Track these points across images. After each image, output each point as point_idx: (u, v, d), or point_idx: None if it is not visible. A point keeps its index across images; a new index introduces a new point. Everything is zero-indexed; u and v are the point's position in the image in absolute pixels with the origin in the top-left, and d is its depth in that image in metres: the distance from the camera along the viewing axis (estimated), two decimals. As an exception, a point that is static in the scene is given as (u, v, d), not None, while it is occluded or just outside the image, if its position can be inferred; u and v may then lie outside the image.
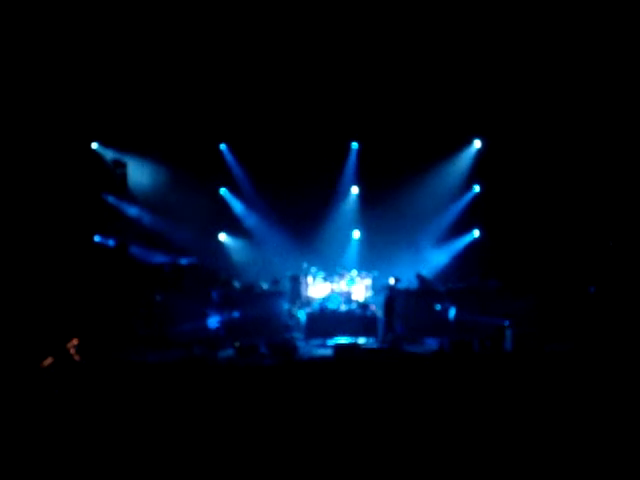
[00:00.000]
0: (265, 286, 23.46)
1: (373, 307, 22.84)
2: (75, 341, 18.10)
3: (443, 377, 14.84)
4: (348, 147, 25.61)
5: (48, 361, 15.95)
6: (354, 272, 23.93)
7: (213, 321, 21.94)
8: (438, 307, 22.23)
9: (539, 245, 24.11)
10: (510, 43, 22.97)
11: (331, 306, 22.91)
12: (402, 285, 22.98)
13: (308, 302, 23.57)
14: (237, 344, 19.60)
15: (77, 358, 17.64)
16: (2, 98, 21.55)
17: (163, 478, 9.27)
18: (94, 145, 23.93)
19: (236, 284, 23.42)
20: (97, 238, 23.59)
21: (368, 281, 23.93)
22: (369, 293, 23.78)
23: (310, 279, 23.85)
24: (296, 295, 23.73)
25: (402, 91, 24.07)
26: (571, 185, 23.97)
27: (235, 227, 25.48)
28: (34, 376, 14.65)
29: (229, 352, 19.88)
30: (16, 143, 21.84)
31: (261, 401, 12.45)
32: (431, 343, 20.93)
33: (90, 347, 17.91)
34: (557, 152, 24.03)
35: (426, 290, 22.92)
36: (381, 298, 23.28)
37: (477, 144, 25.28)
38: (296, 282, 23.89)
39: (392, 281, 22.93)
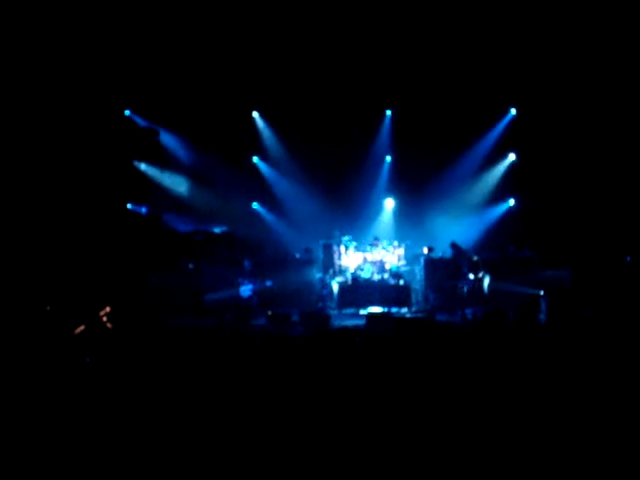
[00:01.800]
0: (297, 255, 23.39)
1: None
2: (108, 309, 18.16)
3: (477, 347, 14.72)
4: (382, 114, 25.36)
5: (80, 329, 16.00)
6: (386, 241, 23.75)
7: (246, 289, 21.95)
8: (472, 276, 22.09)
9: (575, 214, 23.82)
10: (546, 11, 22.67)
11: (364, 275, 22.82)
12: (436, 254, 22.84)
13: (341, 271, 23.46)
14: (269, 313, 19.58)
15: (109, 326, 17.70)
16: (33, 65, 21.51)
17: (196, 444, 9.25)
18: (126, 112, 23.89)
19: (268, 253, 23.37)
20: (130, 206, 23.61)
21: (401, 251, 23.74)
22: (402, 262, 23.60)
23: (343, 248, 23.72)
24: (329, 264, 23.62)
25: (436, 58, 23.75)
26: (608, 153, 23.61)
27: (267, 196, 25.37)
28: (67, 344, 14.70)
29: (261, 321, 19.88)
30: (49, 110, 21.79)
31: (293, 369, 12.39)
32: (465, 313, 20.79)
33: (122, 315, 17.95)
34: (594, 119, 23.67)
35: (460, 259, 22.73)
36: (416, 267, 23.21)
37: (513, 112, 24.99)
38: (329, 251, 23.77)
39: (425, 250, 22.82)
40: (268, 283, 21.97)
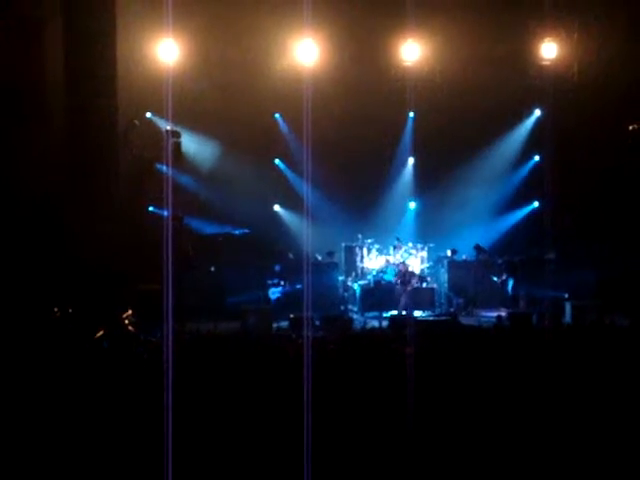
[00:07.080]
0: (319, 258, 23.30)
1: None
2: (130, 312, 18.15)
3: (502, 350, 14.61)
4: (405, 116, 25.15)
5: (100, 333, 16.00)
6: (410, 244, 23.61)
7: (275, 292, 22.00)
8: (496, 279, 22.02)
9: (599, 216, 23.63)
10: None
11: (387, 278, 22.72)
12: (459, 257, 22.77)
13: (363, 274, 23.37)
14: (291, 316, 19.55)
15: (132, 329, 17.69)
16: None
17: (216, 447, 9.23)
18: (148, 114, 23.81)
19: (291, 256, 23.28)
20: (151, 208, 23.54)
21: (424, 253, 23.62)
22: (425, 265, 23.47)
23: (365, 251, 23.62)
24: (351, 267, 23.56)
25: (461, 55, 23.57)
26: (635, 153, 23.38)
27: (289, 198, 25.20)
28: (87, 348, 14.70)
29: (283, 324, 19.85)
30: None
31: (315, 373, 12.30)
32: (489, 316, 20.71)
33: (144, 318, 17.93)
34: (619, 120, 23.46)
35: (484, 262, 22.65)
36: (439, 269, 23.14)
37: (537, 113, 24.79)
38: (351, 254, 23.71)
39: (449, 253, 22.77)
40: (298, 286, 21.73)
